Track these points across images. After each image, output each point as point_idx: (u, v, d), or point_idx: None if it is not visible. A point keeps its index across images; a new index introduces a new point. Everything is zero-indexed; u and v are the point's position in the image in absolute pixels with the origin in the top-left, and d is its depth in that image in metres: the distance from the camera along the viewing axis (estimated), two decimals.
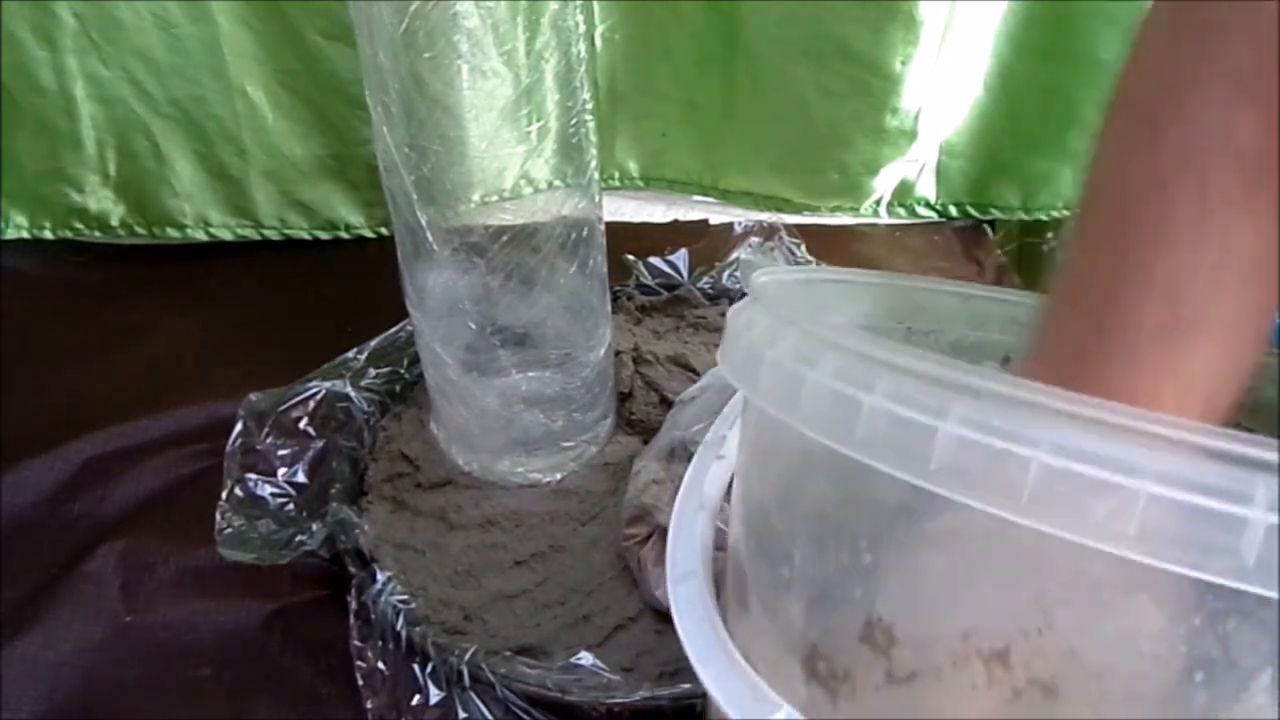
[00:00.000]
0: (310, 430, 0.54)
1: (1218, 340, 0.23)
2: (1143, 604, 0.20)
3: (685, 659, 0.45)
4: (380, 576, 0.46)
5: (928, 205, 0.78)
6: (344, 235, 0.76)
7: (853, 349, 0.21)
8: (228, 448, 0.51)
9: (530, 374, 0.53)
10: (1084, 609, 0.21)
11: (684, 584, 0.28)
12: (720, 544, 0.32)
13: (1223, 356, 0.23)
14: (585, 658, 0.43)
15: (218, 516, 0.48)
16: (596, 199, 0.51)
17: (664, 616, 0.47)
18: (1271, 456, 0.17)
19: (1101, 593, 0.20)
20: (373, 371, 0.58)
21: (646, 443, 0.55)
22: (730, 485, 0.33)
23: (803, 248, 0.69)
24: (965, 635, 0.22)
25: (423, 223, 0.47)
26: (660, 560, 0.47)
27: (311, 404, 0.54)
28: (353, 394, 0.56)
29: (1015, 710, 0.21)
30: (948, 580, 0.23)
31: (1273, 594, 0.17)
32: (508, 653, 0.44)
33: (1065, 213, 0.76)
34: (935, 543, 0.22)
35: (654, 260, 0.67)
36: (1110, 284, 0.24)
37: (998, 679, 0.22)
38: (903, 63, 0.67)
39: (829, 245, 0.72)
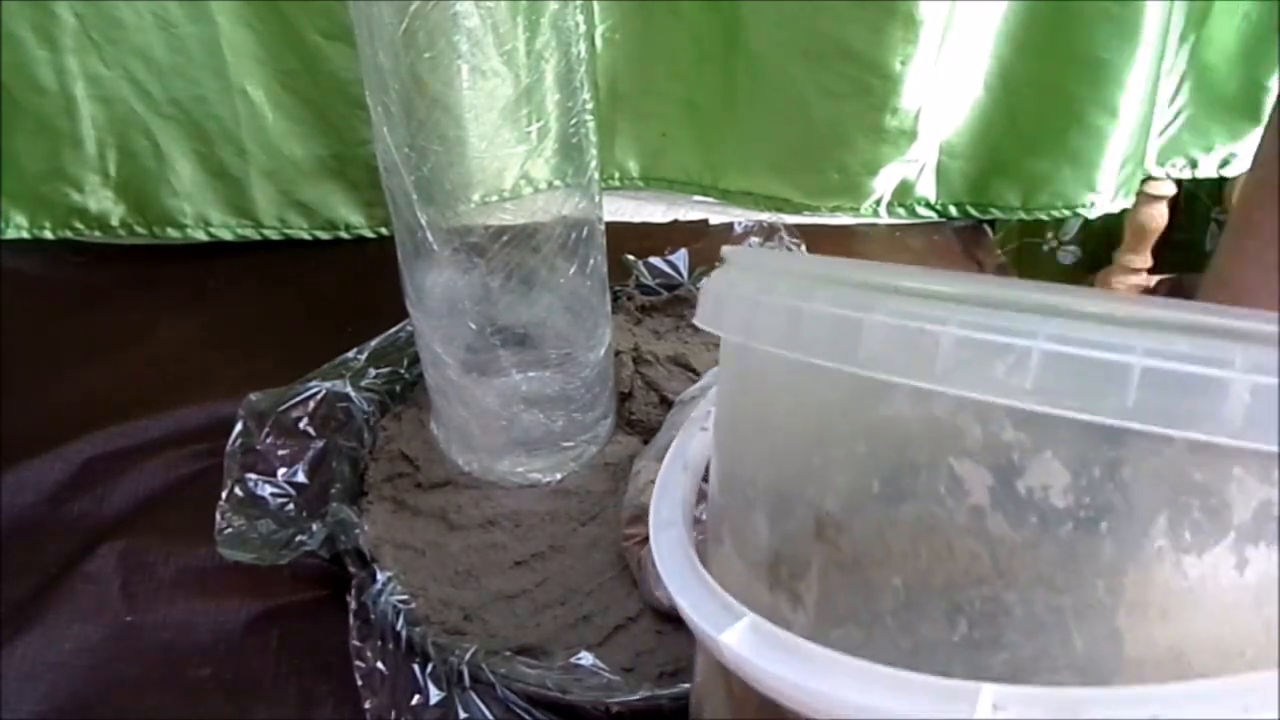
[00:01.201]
0: (310, 430, 0.54)
1: None
2: (1048, 460, 0.22)
3: (685, 659, 0.45)
4: (380, 576, 0.46)
5: (928, 205, 0.78)
6: (344, 235, 0.76)
7: (798, 273, 0.26)
8: (228, 448, 0.51)
9: (530, 374, 0.53)
10: (998, 473, 0.23)
11: (665, 531, 0.31)
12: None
13: None
14: (585, 658, 0.44)
15: (218, 516, 0.48)
16: (596, 199, 0.51)
17: (664, 616, 0.47)
18: (1150, 314, 0.20)
19: (1012, 455, 0.22)
20: (373, 371, 0.58)
21: (646, 443, 0.55)
22: None
23: (803, 248, 0.69)
24: (898, 511, 0.24)
25: (423, 223, 0.47)
26: None
27: (311, 404, 0.54)
28: (353, 394, 0.56)
29: (949, 574, 0.23)
30: (878, 462, 0.25)
31: (1152, 431, 0.20)
32: (508, 653, 0.44)
33: (1065, 213, 0.76)
34: (867, 432, 0.25)
35: (654, 260, 0.67)
36: None
37: (929, 550, 0.24)
38: (903, 63, 0.67)
39: (829, 245, 0.72)
